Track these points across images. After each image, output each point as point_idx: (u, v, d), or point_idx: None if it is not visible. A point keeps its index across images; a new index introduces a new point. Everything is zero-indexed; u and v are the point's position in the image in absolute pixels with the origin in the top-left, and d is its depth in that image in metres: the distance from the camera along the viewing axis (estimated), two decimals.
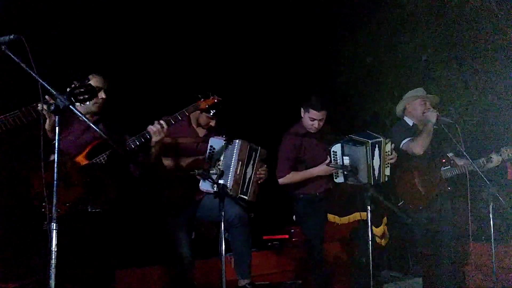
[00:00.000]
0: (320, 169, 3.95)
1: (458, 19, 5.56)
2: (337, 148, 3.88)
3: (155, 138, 3.23)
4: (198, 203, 3.75)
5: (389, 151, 3.95)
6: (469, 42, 5.55)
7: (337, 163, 3.85)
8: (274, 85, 5.52)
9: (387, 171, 3.98)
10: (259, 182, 3.75)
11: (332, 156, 3.88)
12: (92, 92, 2.55)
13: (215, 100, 3.48)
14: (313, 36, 5.83)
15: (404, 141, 4.28)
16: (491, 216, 3.78)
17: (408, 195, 4.22)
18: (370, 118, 5.84)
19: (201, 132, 3.82)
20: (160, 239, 3.77)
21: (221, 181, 3.23)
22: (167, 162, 3.67)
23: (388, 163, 3.97)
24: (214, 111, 3.50)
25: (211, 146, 3.58)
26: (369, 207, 3.32)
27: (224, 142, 3.59)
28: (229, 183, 3.53)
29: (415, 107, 4.42)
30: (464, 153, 4.01)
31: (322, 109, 3.93)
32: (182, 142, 3.73)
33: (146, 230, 4.28)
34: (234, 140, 3.61)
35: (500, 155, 4.27)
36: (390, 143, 3.96)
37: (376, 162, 3.89)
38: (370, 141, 3.84)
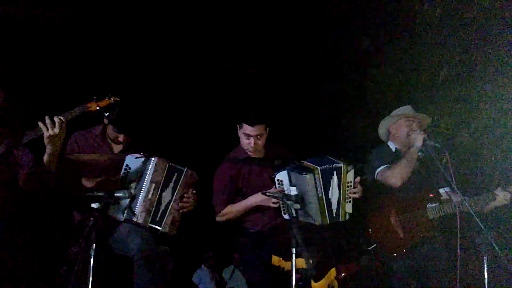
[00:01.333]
0: (255, 199, 3.14)
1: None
2: (282, 176, 3.05)
3: (46, 133, 2.72)
4: (109, 232, 3.03)
5: (351, 181, 3.08)
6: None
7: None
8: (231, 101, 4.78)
9: (348, 208, 3.09)
10: (181, 211, 3.06)
11: (277, 185, 3.06)
12: None
13: (111, 101, 2.90)
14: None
15: (379, 169, 3.43)
16: (485, 272, 2.87)
17: (382, 237, 3.34)
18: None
19: (117, 148, 3.18)
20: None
21: None
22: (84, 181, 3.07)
23: (350, 198, 3.09)
24: (108, 113, 2.90)
25: (126, 165, 3.00)
26: (293, 249, 2.51)
27: (142, 160, 2.98)
28: (137, 209, 2.90)
29: (399, 128, 3.58)
30: (454, 186, 3.12)
31: (257, 123, 3.15)
32: (91, 159, 3.10)
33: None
34: (150, 158, 2.98)
35: (509, 192, 3.34)
36: (352, 171, 3.09)
37: (334, 194, 3.04)
38: (319, 168, 2.99)
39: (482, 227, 2.88)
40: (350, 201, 3.08)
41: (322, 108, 5.12)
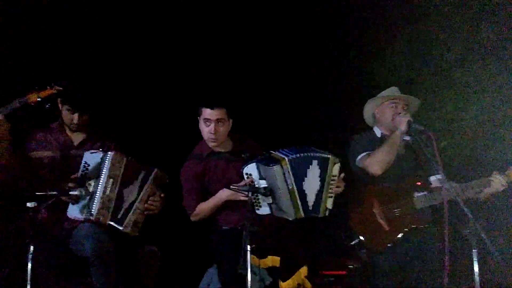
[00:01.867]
0: (223, 195, 2.90)
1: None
2: (251, 169, 2.78)
3: None
4: (69, 233, 2.88)
5: (336, 176, 2.78)
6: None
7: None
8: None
9: (329, 203, 2.78)
10: (146, 213, 2.87)
11: (246, 179, 2.80)
12: None
13: (53, 91, 2.73)
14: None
15: (359, 156, 3.15)
16: (475, 266, 2.56)
17: (365, 230, 3.05)
18: None
19: (77, 138, 3.01)
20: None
21: None
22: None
23: (333, 193, 2.79)
24: (49, 105, 2.72)
25: (85, 162, 2.83)
26: (248, 246, 2.26)
27: (100, 156, 2.81)
28: (94, 207, 2.72)
29: (384, 111, 3.29)
30: (440, 172, 2.81)
31: (216, 105, 2.91)
32: (48, 156, 2.94)
33: None
34: (106, 153, 2.81)
35: (508, 175, 2.99)
36: (338, 165, 2.79)
37: (311, 186, 2.73)
38: (287, 158, 2.70)
39: (470, 216, 2.57)
40: (332, 197, 2.78)
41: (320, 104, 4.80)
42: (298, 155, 2.76)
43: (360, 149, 3.18)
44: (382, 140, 3.22)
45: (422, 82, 4.75)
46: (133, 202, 2.81)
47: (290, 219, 2.76)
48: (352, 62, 4.84)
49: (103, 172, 2.74)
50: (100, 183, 2.73)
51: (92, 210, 2.70)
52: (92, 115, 2.97)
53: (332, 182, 2.76)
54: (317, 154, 2.75)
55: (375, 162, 3.01)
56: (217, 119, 2.93)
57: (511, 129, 4.04)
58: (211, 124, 2.93)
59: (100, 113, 3.06)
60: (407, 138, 3.21)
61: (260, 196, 2.75)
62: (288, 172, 2.70)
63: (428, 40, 4.74)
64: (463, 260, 2.83)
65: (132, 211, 2.80)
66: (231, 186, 2.70)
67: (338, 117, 4.69)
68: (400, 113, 3.16)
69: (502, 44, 4.29)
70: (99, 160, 2.78)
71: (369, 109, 3.39)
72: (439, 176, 3.10)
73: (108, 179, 2.74)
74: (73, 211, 2.78)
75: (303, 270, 2.77)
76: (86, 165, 2.80)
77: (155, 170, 2.91)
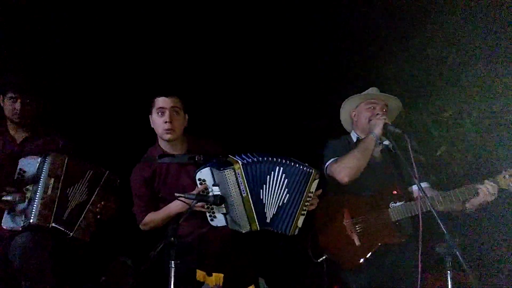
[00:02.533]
0: (175, 207, 2.64)
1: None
2: (204, 173, 2.52)
3: None
4: (7, 243, 2.65)
5: (312, 192, 2.51)
6: None
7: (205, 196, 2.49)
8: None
9: (300, 221, 2.50)
10: (98, 216, 2.73)
11: (199, 186, 2.54)
12: None
13: None
14: None
15: (327, 162, 2.84)
16: (449, 285, 2.20)
17: (335, 246, 2.73)
18: None
19: (20, 136, 2.85)
20: None
21: None
22: None
23: (305, 210, 2.51)
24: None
25: (20, 169, 2.67)
26: (172, 263, 2.05)
27: (38, 161, 2.67)
28: (34, 210, 2.55)
29: (360, 113, 2.97)
30: (415, 177, 2.46)
31: (171, 94, 2.70)
32: None
33: None
34: (45, 157, 2.66)
35: (497, 182, 2.60)
36: (317, 180, 2.50)
37: (273, 196, 2.48)
38: (240, 162, 2.45)
39: (445, 231, 2.21)
40: (304, 214, 2.50)
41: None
42: (255, 159, 2.49)
43: (331, 155, 2.87)
44: (356, 146, 2.91)
45: (422, 87, 4.44)
46: (84, 204, 2.67)
47: (243, 231, 2.48)
48: (350, 62, 4.55)
49: (42, 174, 2.58)
50: (40, 185, 2.57)
51: (31, 215, 2.52)
52: (36, 107, 2.81)
53: (308, 199, 2.49)
54: (287, 163, 2.48)
55: (342, 168, 2.69)
56: (172, 107, 2.68)
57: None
58: (165, 112, 2.66)
59: (45, 107, 2.89)
60: (387, 143, 2.88)
61: (214, 206, 2.49)
62: (242, 177, 2.44)
63: (431, 42, 4.43)
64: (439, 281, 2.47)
65: (84, 214, 2.65)
66: (176, 194, 2.43)
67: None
68: (377, 114, 2.84)
69: (505, 45, 3.93)
70: (36, 165, 2.63)
71: (346, 111, 3.08)
72: (424, 184, 2.77)
73: (49, 178, 2.58)
74: (7, 222, 2.60)
75: None
76: (21, 171, 2.64)
77: (107, 172, 2.78)
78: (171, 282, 2.07)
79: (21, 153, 2.73)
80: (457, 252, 2.14)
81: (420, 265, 2.32)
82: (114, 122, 4.06)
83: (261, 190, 2.48)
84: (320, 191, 2.55)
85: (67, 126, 3.44)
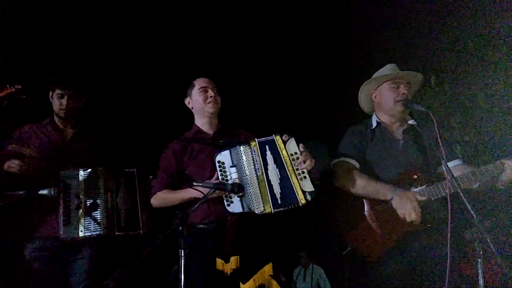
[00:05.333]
0: (187, 193, 2.60)
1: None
2: (224, 156, 2.55)
3: None
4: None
5: (296, 153, 2.49)
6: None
7: (225, 179, 2.49)
8: None
9: (307, 185, 2.44)
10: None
11: (218, 169, 2.53)
12: None
13: (12, 90, 2.67)
14: None
15: (336, 160, 2.76)
16: (480, 280, 2.02)
17: (356, 237, 2.57)
18: None
19: (69, 132, 2.94)
20: None
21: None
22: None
23: (304, 173, 2.46)
24: (6, 103, 2.64)
25: (63, 182, 2.70)
26: (181, 252, 1.97)
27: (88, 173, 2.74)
28: (99, 219, 2.69)
29: (383, 94, 2.77)
30: (442, 159, 2.27)
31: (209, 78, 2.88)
32: (32, 153, 2.74)
33: None
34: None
35: None
36: (293, 140, 2.51)
37: (273, 174, 2.47)
38: (257, 140, 2.52)
39: (473, 214, 2.02)
40: (306, 177, 2.46)
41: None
42: (263, 138, 2.55)
43: (346, 147, 2.75)
44: (375, 132, 2.74)
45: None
46: (135, 205, 2.77)
47: (257, 212, 2.44)
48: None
49: (98, 188, 2.70)
50: (98, 199, 2.68)
51: (99, 226, 2.65)
52: (79, 102, 2.93)
53: (293, 161, 2.48)
54: (266, 138, 2.54)
55: (343, 181, 2.63)
56: (213, 87, 2.85)
57: None
58: (208, 90, 2.83)
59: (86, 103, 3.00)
60: (412, 122, 2.70)
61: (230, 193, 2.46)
62: (258, 155, 2.49)
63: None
64: (468, 269, 2.28)
65: (139, 213, 2.76)
66: (194, 184, 2.45)
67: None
68: (404, 93, 2.66)
69: None
70: (81, 176, 2.71)
71: (365, 94, 2.89)
72: (455, 163, 2.58)
73: (105, 191, 2.71)
74: (66, 231, 2.63)
75: (267, 269, 2.40)
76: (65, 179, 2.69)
77: (134, 170, 2.85)
78: (181, 272, 2.01)
79: (70, 149, 2.86)
80: (487, 237, 1.96)
81: (448, 253, 2.15)
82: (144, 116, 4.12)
83: (268, 170, 2.50)
84: (302, 145, 2.52)
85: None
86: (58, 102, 2.87)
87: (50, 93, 2.91)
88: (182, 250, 2.02)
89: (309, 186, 2.44)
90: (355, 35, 4.29)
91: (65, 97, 2.85)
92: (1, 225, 2.78)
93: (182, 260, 2.00)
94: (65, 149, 2.85)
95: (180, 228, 2.06)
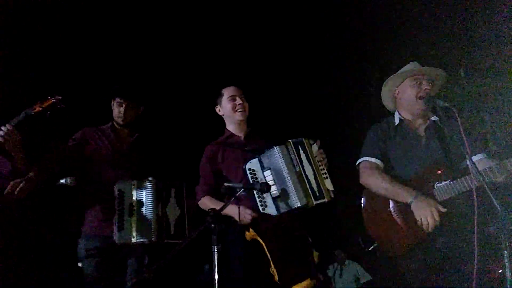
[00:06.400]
0: (230, 210, 2.74)
1: None
2: (253, 164, 2.66)
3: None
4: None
5: (317, 154, 2.67)
6: None
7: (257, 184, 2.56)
8: None
9: (329, 184, 2.61)
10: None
11: (249, 176, 2.63)
12: None
13: (53, 101, 2.84)
14: None
15: (362, 159, 2.81)
16: (507, 272, 2.02)
17: (381, 233, 2.60)
18: None
19: (126, 141, 3.15)
20: None
21: None
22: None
23: (325, 173, 2.63)
24: (49, 112, 2.81)
25: (119, 191, 2.88)
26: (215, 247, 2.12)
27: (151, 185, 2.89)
28: (152, 227, 2.84)
29: (405, 91, 2.79)
30: (467, 154, 2.28)
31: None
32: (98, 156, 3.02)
33: None
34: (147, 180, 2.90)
35: None
36: (315, 144, 2.69)
37: (308, 169, 2.60)
38: (291, 140, 2.65)
39: (498, 207, 2.03)
40: (327, 177, 2.63)
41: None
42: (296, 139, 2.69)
43: (369, 146, 2.79)
44: (397, 129, 2.76)
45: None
46: (182, 216, 2.96)
47: (300, 205, 2.51)
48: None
49: (150, 199, 2.85)
50: (150, 208, 2.84)
51: (151, 234, 2.80)
52: (136, 111, 3.14)
53: (318, 163, 2.65)
54: (298, 139, 2.67)
55: (368, 181, 2.71)
56: (241, 94, 3.01)
57: None
58: (236, 98, 2.99)
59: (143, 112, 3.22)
60: (434, 118, 2.71)
61: (264, 195, 2.59)
62: (294, 153, 2.61)
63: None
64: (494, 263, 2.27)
65: (186, 222, 2.95)
66: (225, 184, 2.59)
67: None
68: (427, 90, 2.67)
69: None
70: (131, 187, 2.89)
71: (388, 90, 2.91)
72: (478, 157, 2.57)
73: (157, 202, 2.86)
74: (120, 237, 2.79)
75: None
76: (120, 191, 2.87)
77: (184, 184, 3.03)
78: (215, 265, 2.14)
79: (127, 155, 3.07)
80: None
81: (476, 247, 2.16)
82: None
83: (304, 166, 2.61)
84: (321, 150, 2.67)
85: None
86: (117, 110, 3.11)
87: (112, 102, 3.15)
88: (215, 246, 2.15)
89: (330, 185, 2.61)
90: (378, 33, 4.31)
91: (123, 105, 3.08)
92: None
93: (215, 255, 2.13)
94: (122, 153, 3.06)
95: (213, 225, 2.19)
